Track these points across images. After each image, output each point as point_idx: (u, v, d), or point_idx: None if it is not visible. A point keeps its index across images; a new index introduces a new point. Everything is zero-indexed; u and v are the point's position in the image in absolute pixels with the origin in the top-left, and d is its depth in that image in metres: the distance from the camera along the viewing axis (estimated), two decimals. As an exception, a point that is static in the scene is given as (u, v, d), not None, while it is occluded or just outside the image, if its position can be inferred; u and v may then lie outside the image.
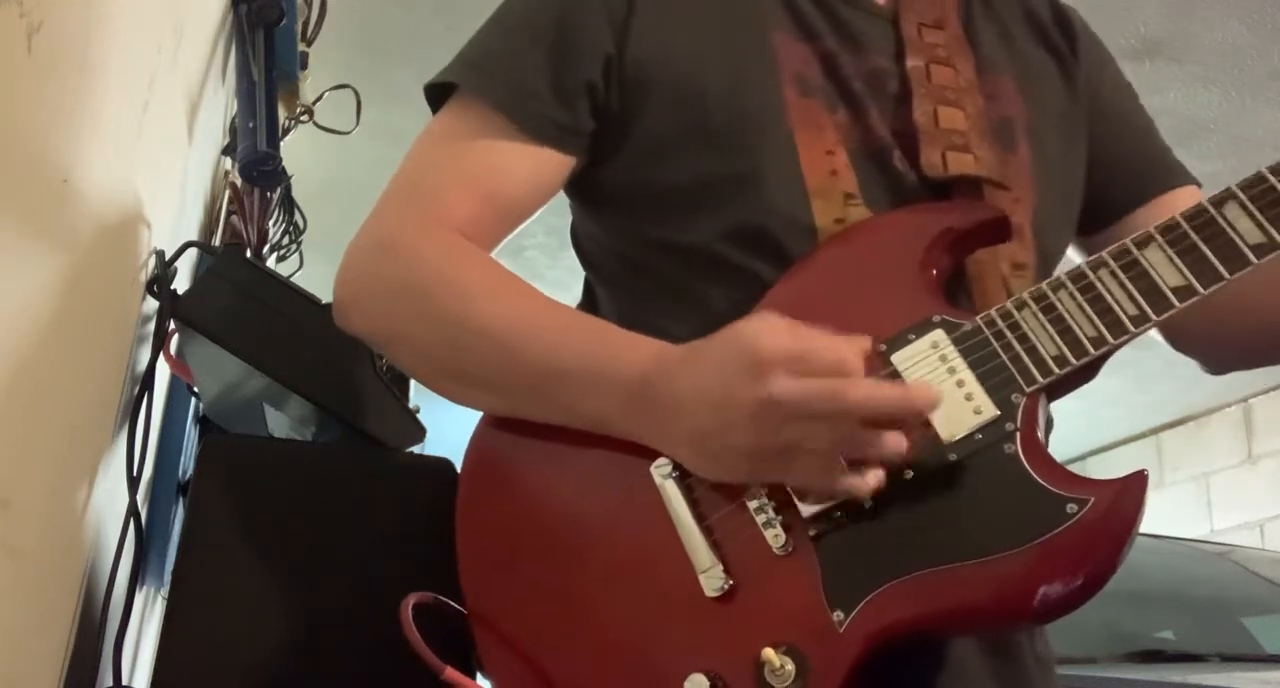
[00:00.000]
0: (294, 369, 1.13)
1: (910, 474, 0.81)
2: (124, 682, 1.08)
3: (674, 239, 0.96)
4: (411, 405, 1.25)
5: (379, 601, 0.92)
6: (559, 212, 1.06)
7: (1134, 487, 0.77)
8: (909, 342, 0.85)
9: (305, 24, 2.14)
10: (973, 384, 0.82)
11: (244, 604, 0.98)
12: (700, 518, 0.84)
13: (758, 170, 0.94)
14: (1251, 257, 0.81)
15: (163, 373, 1.30)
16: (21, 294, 0.79)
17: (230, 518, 1.01)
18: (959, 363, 0.83)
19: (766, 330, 0.79)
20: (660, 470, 0.86)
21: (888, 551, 0.80)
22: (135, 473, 1.12)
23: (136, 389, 1.18)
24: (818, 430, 0.77)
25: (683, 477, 0.85)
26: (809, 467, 0.79)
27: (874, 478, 0.78)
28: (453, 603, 0.91)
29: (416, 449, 1.21)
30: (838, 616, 0.79)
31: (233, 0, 1.76)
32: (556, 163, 0.99)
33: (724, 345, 0.80)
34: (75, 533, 1.04)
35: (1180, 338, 1.08)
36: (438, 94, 1.03)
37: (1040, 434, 0.82)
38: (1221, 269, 0.81)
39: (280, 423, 1.26)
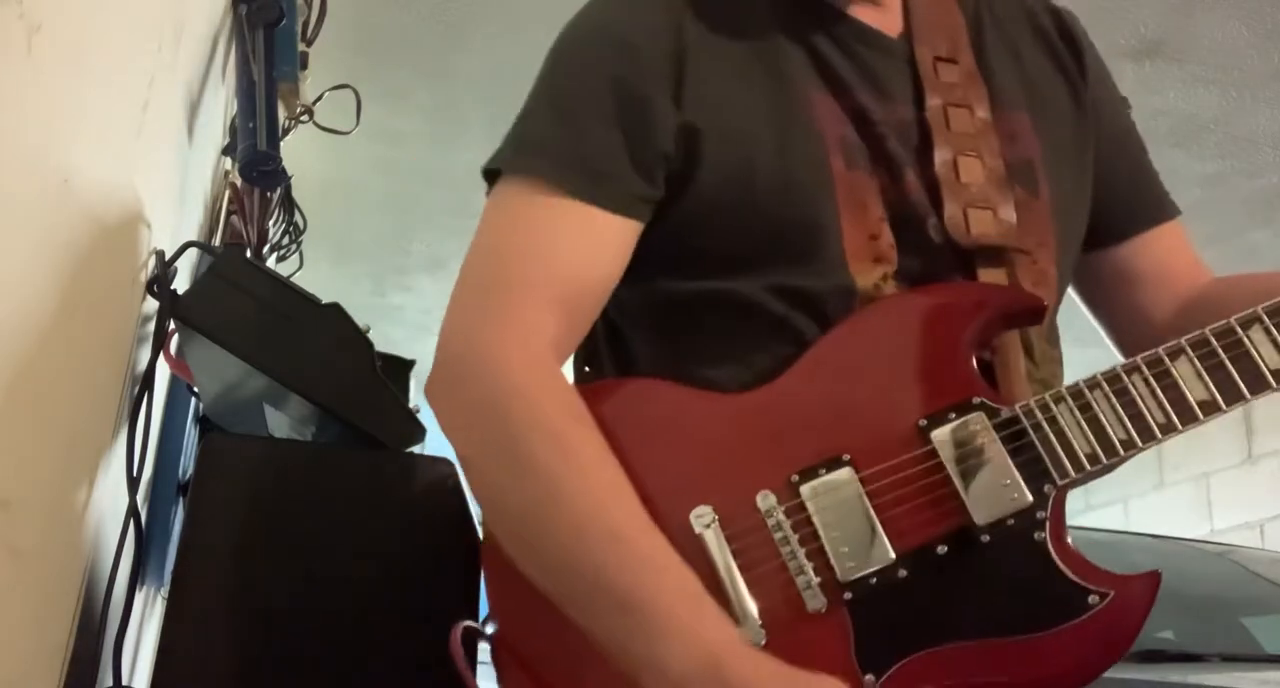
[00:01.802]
0: (294, 369, 1.13)
1: (943, 550, 0.86)
2: (124, 682, 1.08)
3: (717, 289, 0.97)
4: (411, 405, 1.25)
5: (379, 600, 0.92)
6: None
7: (1148, 585, 0.85)
8: (949, 420, 0.89)
9: (305, 24, 2.14)
10: (1009, 471, 0.87)
11: (244, 604, 0.98)
12: (740, 569, 0.86)
13: (802, 249, 0.96)
14: (1272, 381, 0.89)
15: (163, 373, 1.30)
16: (22, 294, 0.79)
17: (230, 518, 1.01)
18: (997, 449, 0.88)
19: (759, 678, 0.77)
20: (700, 520, 0.88)
21: (920, 621, 0.85)
22: (135, 473, 1.12)
23: (136, 389, 1.18)
24: None
25: (722, 527, 0.87)
26: None
27: None
28: (483, 631, 0.90)
29: (416, 449, 1.21)
30: (869, 679, 0.83)
31: (233, 0, 1.76)
32: (634, 233, 0.98)
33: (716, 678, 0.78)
34: (75, 533, 1.04)
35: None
36: (509, 174, 1.00)
37: (1064, 523, 0.88)
38: (1244, 389, 0.89)
39: (280, 423, 1.26)
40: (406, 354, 1.42)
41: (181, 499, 1.45)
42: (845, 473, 0.88)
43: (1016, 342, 0.97)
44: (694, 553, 0.86)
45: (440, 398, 0.94)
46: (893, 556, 0.86)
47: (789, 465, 0.89)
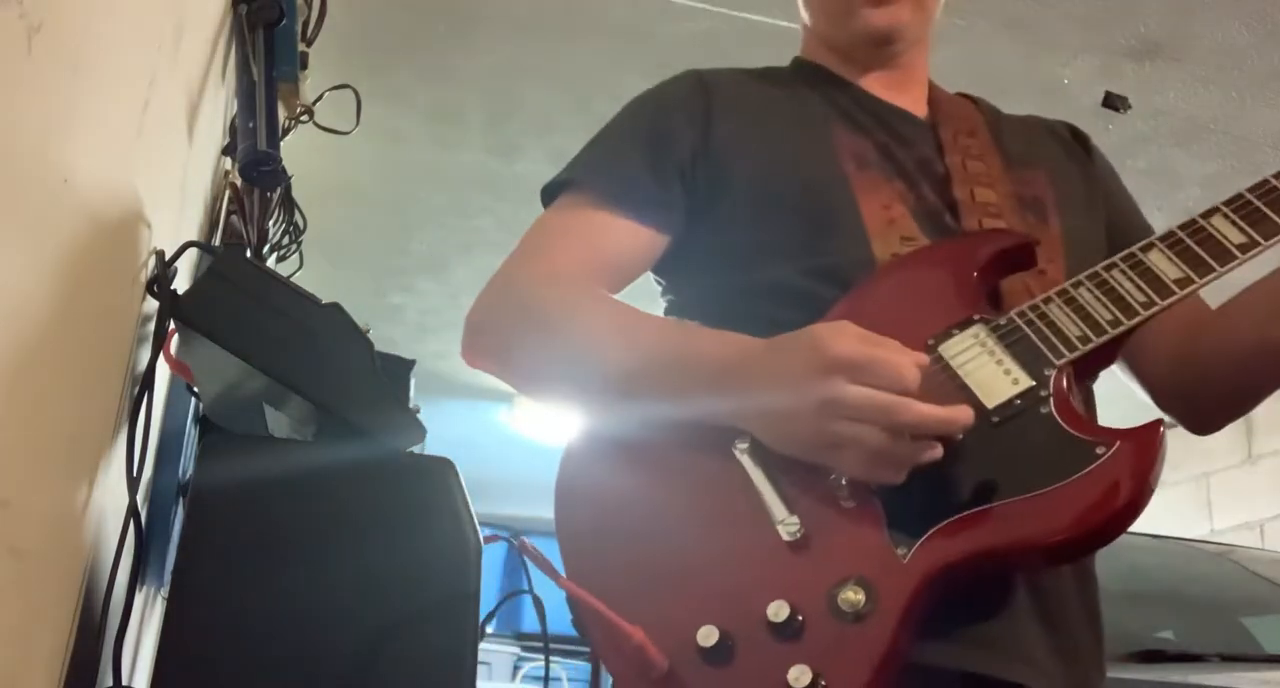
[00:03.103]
0: (294, 369, 1.13)
1: (960, 436, 0.93)
2: (124, 682, 1.08)
3: (754, 278, 1.13)
4: (411, 405, 1.25)
5: (379, 600, 0.92)
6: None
7: (1151, 430, 0.91)
8: (952, 335, 1.01)
9: (305, 24, 2.14)
10: (1010, 363, 0.98)
11: (244, 604, 0.98)
12: (775, 482, 0.96)
13: (825, 226, 1.12)
14: (1236, 253, 1.01)
15: (163, 373, 1.30)
16: (22, 294, 0.79)
17: (230, 518, 1.01)
18: (998, 348, 0.99)
19: (839, 335, 0.92)
20: (740, 448, 0.98)
21: (943, 496, 0.92)
22: (135, 473, 1.12)
23: (136, 389, 1.18)
24: (867, 434, 0.90)
25: (757, 450, 0.97)
26: (853, 459, 0.92)
27: (904, 475, 0.91)
28: (548, 567, 0.99)
29: (416, 449, 1.21)
30: (901, 550, 0.91)
31: (233, 0, 1.76)
32: (654, 231, 1.17)
33: (799, 343, 0.94)
34: (75, 533, 1.04)
35: (1166, 397, 1.24)
36: (552, 192, 1.21)
37: (1071, 400, 0.96)
38: (1212, 262, 1.00)
39: (280, 423, 1.26)
40: (406, 354, 1.42)
41: (181, 499, 1.45)
42: None
43: (1020, 291, 1.08)
44: (733, 472, 0.98)
45: (477, 316, 1.14)
46: None
47: None
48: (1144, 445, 0.91)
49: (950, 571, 0.90)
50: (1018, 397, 0.96)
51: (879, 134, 1.20)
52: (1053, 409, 0.95)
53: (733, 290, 1.15)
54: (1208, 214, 1.04)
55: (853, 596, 0.89)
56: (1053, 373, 0.97)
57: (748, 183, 1.16)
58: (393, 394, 1.20)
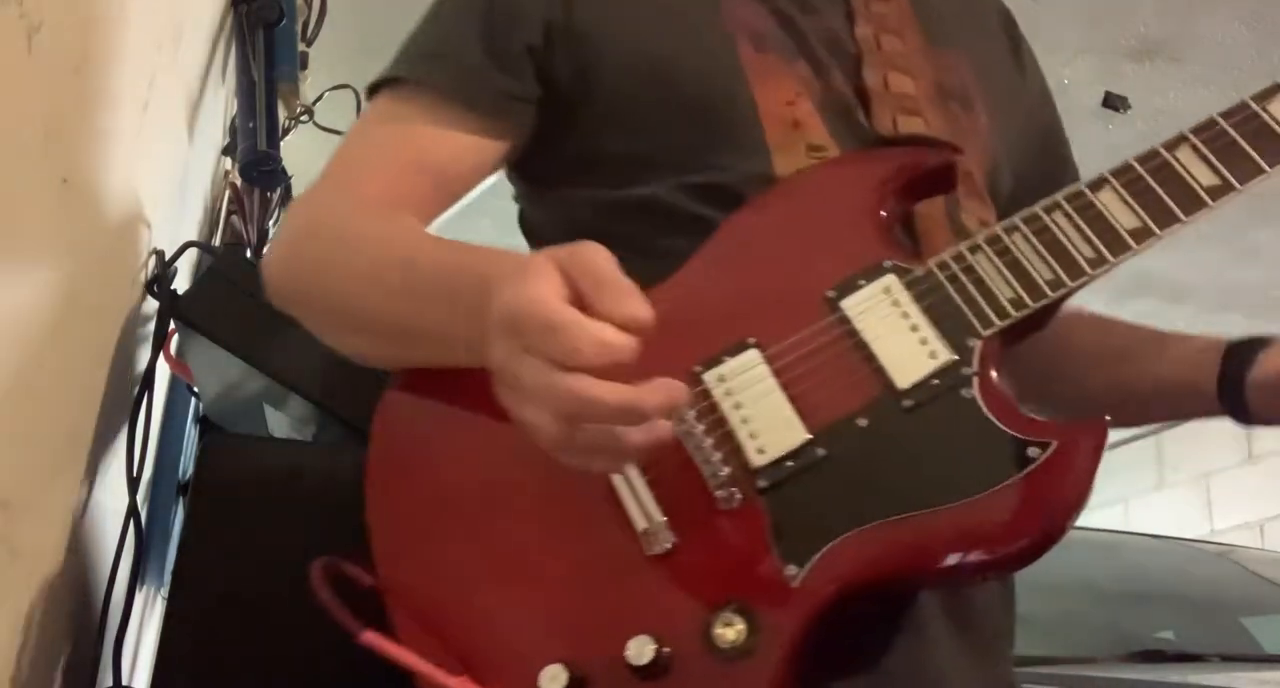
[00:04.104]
0: (294, 369, 1.13)
1: (864, 422, 0.77)
2: (124, 682, 1.08)
3: (623, 195, 0.92)
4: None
5: (378, 599, 0.92)
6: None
7: (1095, 429, 0.75)
8: (859, 287, 0.82)
9: (305, 24, 2.14)
10: (927, 329, 0.79)
11: (244, 604, 0.98)
12: (642, 471, 0.78)
13: (715, 131, 0.91)
14: (1206, 198, 0.81)
15: (163, 373, 1.30)
16: (21, 294, 0.79)
17: (230, 518, 1.01)
18: (913, 308, 0.80)
19: (529, 280, 0.69)
20: None
21: (843, 501, 0.75)
22: (135, 473, 1.12)
23: (136, 389, 1.18)
24: (537, 418, 0.69)
25: None
26: (549, 447, 0.70)
27: (602, 461, 0.72)
28: (365, 573, 0.84)
29: (416, 449, 1.21)
30: (790, 570, 0.73)
31: (233, 0, 1.76)
32: (502, 133, 0.95)
33: (500, 279, 0.72)
34: (75, 533, 1.04)
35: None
36: (373, 93, 0.99)
37: (997, 379, 0.78)
38: (1178, 211, 0.81)
39: (280, 423, 1.26)
40: (406, 354, 1.42)
41: (181, 499, 1.45)
42: (751, 355, 0.80)
43: (943, 224, 0.91)
44: None
45: (268, 259, 0.94)
46: (808, 434, 0.77)
47: (690, 359, 0.81)
48: (1085, 449, 0.74)
49: (851, 594, 0.73)
50: (935, 375, 0.77)
51: (779, 1, 0.97)
52: (976, 392, 0.77)
53: (600, 208, 0.94)
54: (1173, 144, 0.83)
55: (729, 629, 0.72)
56: (978, 345, 0.78)
57: (618, 71, 0.94)
58: (393, 394, 1.20)
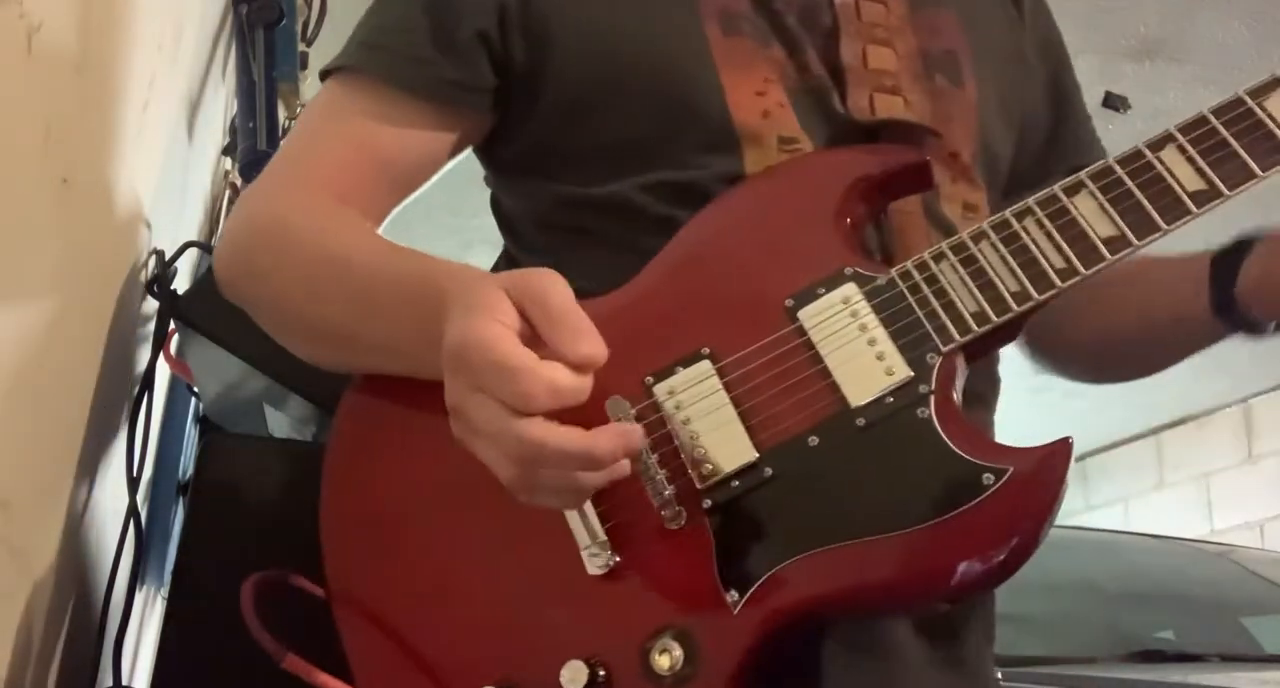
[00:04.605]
0: (294, 369, 1.12)
1: (815, 441, 0.74)
2: (124, 682, 1.08)
3: (591, 192, 0.89)
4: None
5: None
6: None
7: (1057, 456, 0.71)
8: (818, 296, 0.78)
9: (305, 24, 2.13)
10: (885, 343, 0.75)
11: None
12: None
13: (681, 123, 0.87)
14: (1191, 205, 0.75)
15: (163, 373, 1.30)
16: (21, 294, 0.79)
17: (230, 518, 1.01)
18: (871, 319, 0.76)
19: (476, 319, 0.68)
20: None
21: (789, 525, 0.73)
22: (135, 473, 1.12)
23: (136, 389, 1.18)
24: (494, 460, 0.69)
25: None
26: (508, 484, 0.70)
27: (559, 501, 0.71)
28: (310, 585, 0.84)
29: (416, 449, 1.21)
30: (731, 596, 0.71)
31: (233, 0, 1.76)
32: (453, 123, 0.92)
33: (454, 310, 0.70)
34: (75, 533, 1.04)
35: (1030, 351, 1.05)
36: (324, 81, 0.96)
37: (957, 398, 0.75)
38: (1159, 220, 0.75)
39: (280, 423, 1.26)
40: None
41: (181, 499, 1.45)
42: (703, 366, 0.77)
43: (914, 212, 0.87)
44: None
45: (219, 252, 0.92)
46: (755, 453, 0.74)
47: (643, 368, 0.78)
48: (1043, 477, 0.70)
49: (792, 623, 0.71)
50: (890, 393, 0.74)
51: None
52: (933, 413, 0.73)
53: (569, 203, 0.90)
54: (1157, 144, 0.77)
55: (666, 657, 0.71)
56: (937, 362, 0.74)
57: (577, 58, 0.89)
58: (393, 394, 1.20)
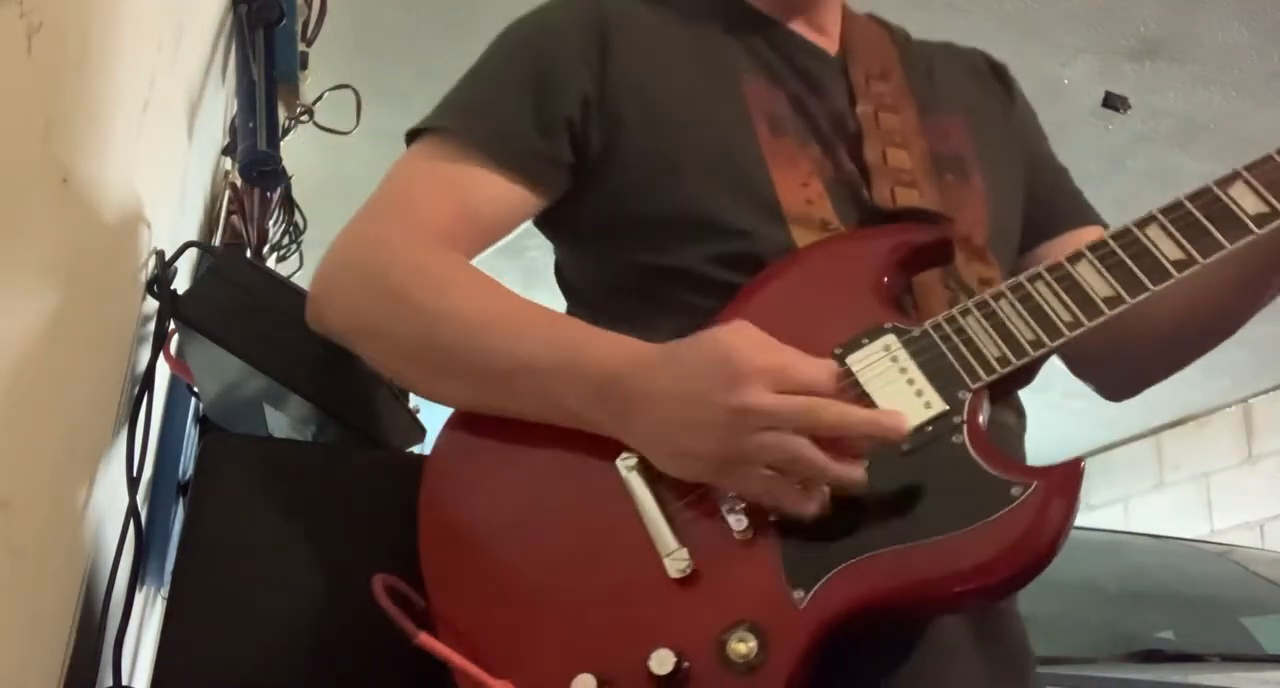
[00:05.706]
0: (294, 369, 1.13)
1: (866, 464, 0.85)
2: (124, 682, 1.08)
3: (659, 262, 1.02)
4: (411, 406, 1.25)
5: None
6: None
7: (1071, 471, 0.85)
8: (862, 345, 0.92)
9: (305, 24, 2.14)
10: (922, 382, 0.90)
11: (244, 604, 0.98)
12: (664, 505, 0.88)
13: (740, 206, 1.01)
14: (1172, 271, 0.91)
15: (163, 373, 1.30)
16: (21, 294, 0.79)
17: (230, 518, 1.01)
18: (909, 363, 0.91)
19: (745, 341, 0.85)
20: (625, 463, 0.90)
21: (845, 534, 0.85)
22: (135, 473, 1.12)
23: (136, 389, 1.18)
24: (784, 445, 0.82)
25: (646, 468, 0.89)
26: (763, 480, 0.84)
27: (817, 505, 0.84)
28: (416, 595, 0.92)
29: (416, 449, 1.21)
30: (798, 594, 0.83)
31: (233, 0, 1.76)
32: (536, 191, 1.05)
33: (701, 349, 0.86)
34: (75, 533, 1.04)
35: (1081, 363, 1.18)
36: (417, 138, 1.08)
37: (983, 426, 0.89)
38: (1146, 281, 0.91)
39: (280, 423, 1.26)
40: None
41: (181, 499, 1.45)
42: None
43: (932, 279, 1.01)
44: (617, 491, 0.90)
45: (324, 284, 1.03)
46: None
47: None
48: (1062, 488, 0.84)
49: (851, 619, 0.83)
50: (929, 423, 0.88)
51: (792, 84, 1.08)
52: (965, 439, 0.87)
53: (639, 272, 1.04)
54: (1143, 223, 0.93)
55: (742, 644, 0.82)
56: (968, 397, 0.89)
57: (646, 145, 1.04)
58: (392, 394, 1.20)
